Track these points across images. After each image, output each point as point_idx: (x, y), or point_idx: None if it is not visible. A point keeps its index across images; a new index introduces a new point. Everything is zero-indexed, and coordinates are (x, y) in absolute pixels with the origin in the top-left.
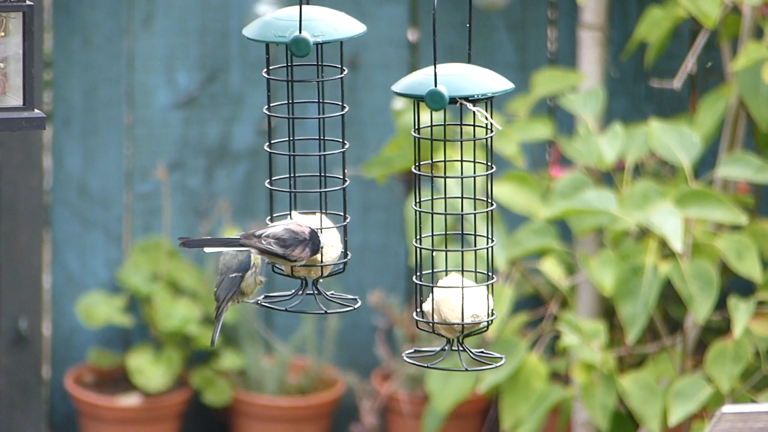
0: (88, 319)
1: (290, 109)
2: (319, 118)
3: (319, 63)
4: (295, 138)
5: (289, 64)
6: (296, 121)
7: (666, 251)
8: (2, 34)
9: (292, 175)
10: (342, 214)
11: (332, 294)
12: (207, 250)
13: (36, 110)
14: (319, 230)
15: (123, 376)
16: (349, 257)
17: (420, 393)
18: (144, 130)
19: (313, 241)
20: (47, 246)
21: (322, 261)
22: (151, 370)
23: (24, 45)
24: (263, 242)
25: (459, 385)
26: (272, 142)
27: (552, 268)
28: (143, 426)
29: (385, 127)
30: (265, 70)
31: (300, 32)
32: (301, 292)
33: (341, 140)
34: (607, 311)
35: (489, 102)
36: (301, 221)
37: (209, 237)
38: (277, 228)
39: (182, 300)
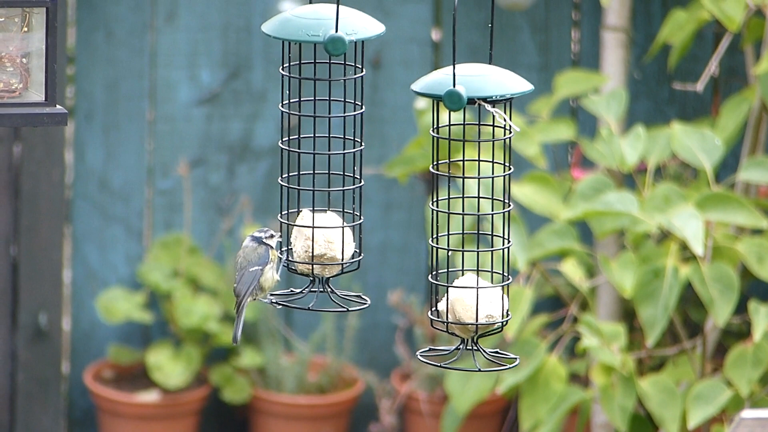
0: (107, 315)
1: (300, 107)
2: (329, 117)
3: (336, 62)
4: (313, 135)
5: (305, 60)
6: (318, 119)
7: (687, 254)
8: (25, 29)
9: (299, 172)
10: (352, 212)
11: (343, 293)
12: None
13: (58, 106)
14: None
15: (142, 373)
16: (361, 257)
17: (439, 393)
18: (166, 126)
19: None
20: (68, 241)
21: (341, 259)
22: (170, 367)
23: (47, 41)
24: None
25: (478, 385)
26: (285, 138)
27: (572, 270)
28: (162, 422)
29: (407, 125)
30: (282, 66)
31: (336, 31)
32: (307, 290)
33: (353, 138)
34: (627, 313)
35: (508, 103)
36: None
37: None
38: None
39: (202, 297)
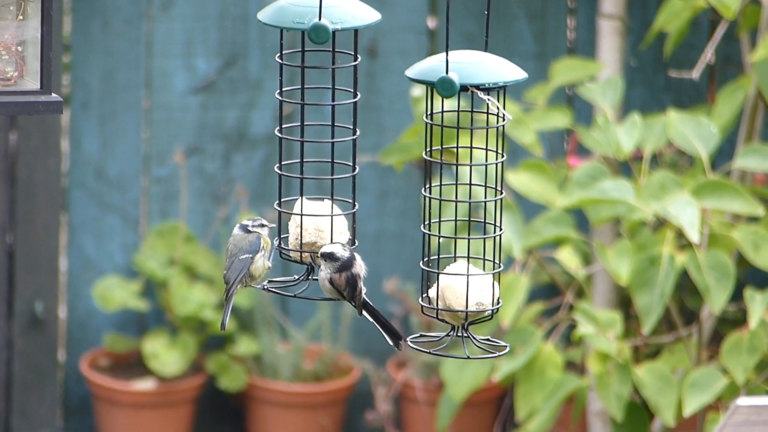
0: (104, 303)
1: (303, 95)
2: (331, 105)
3: (335, 49)
4: (310, 124)
5: (303, 49)
6: (314, 107)
7: (683, 242)
8: (21, 17)
9: (302, 160)
10: (352, 200)
11: None
12: None
13: (53, 94)
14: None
15: (138, 361)
16: (356, 245)
17: (435, 381)
18: (162, 115)
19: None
20: (64, 229)
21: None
22: (166, 355)
23: (42, 29)
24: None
25: (474, 373)
26: (284, 126)
27: (568, 258)
28: (158, 410)
29: (403, 114)
30: (279, 54)
31: (320, 19)
32: (303, 276)
33: (352, 127)
34: (623, 301)
35: (502, 90)
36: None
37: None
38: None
39: (198, 285)
